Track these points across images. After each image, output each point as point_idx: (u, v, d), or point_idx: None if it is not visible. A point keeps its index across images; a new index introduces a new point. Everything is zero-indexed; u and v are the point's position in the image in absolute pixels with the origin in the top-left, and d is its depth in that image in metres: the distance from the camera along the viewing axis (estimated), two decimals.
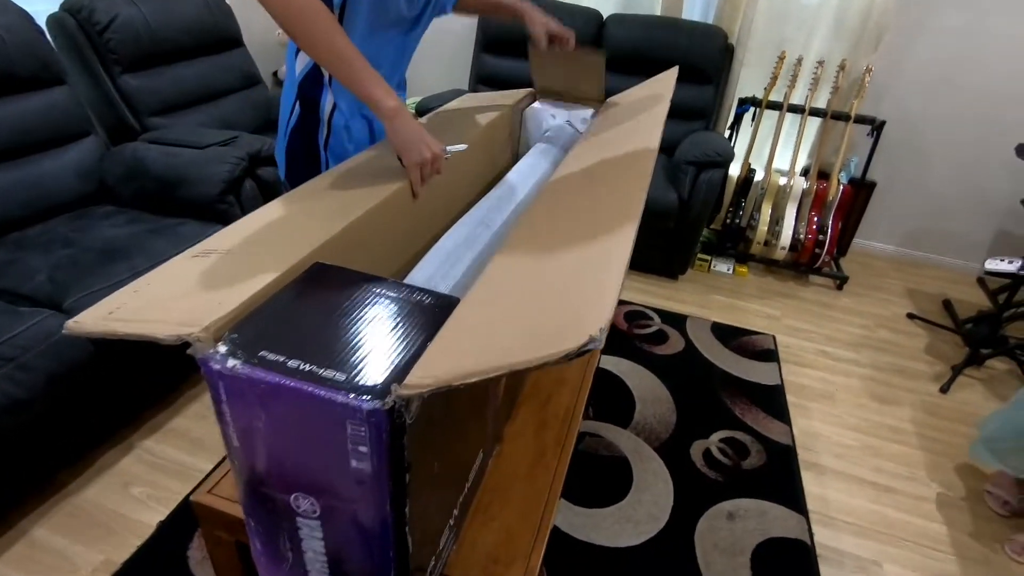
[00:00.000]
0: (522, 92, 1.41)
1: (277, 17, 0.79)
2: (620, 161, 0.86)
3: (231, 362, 0.49)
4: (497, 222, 0.85)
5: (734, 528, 1.41)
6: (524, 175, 1.03)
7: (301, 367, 0.49)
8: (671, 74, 1.35)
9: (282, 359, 0.49)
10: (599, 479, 1.50)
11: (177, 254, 0.63)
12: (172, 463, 1.43)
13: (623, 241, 0.53)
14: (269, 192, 1.84)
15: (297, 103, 1.04)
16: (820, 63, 2.55)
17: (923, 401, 1.94)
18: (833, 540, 1.42)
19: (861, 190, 2.67)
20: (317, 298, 0.58)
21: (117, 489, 1.36)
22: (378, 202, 0.75)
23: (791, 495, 1.52)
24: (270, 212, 0.73)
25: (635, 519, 1.40)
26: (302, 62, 1.02)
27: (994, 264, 2.02)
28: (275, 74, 3.06)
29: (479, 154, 1.14)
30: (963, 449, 1.75)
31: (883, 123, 2.52)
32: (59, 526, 1.27)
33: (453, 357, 0.47)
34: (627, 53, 2.60)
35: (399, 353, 0.51)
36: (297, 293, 0.59)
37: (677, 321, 2.21)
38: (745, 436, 1.69)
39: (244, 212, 1.47)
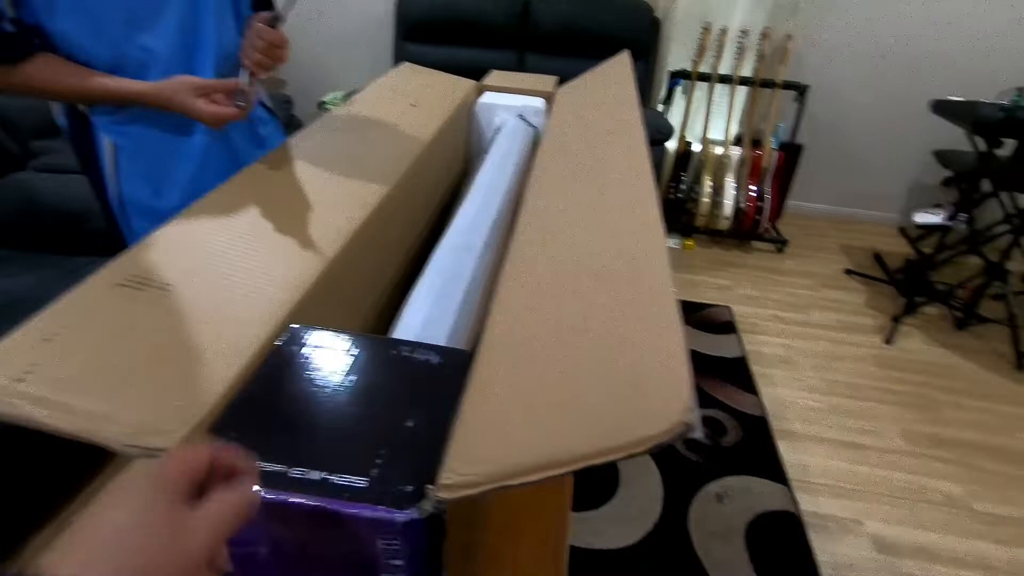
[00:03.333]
0: (468, 84, 1.31)
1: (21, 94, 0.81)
2: (613, 164, 0.79)
3: None
4: (478, 245, 0.77)
5: (724, 510, 1.42)
6: (492, 184, 0.95)
7: (309, 476, 0.40)
8: (624, 58, 1.30)
9: (282, 468, 0.40)
10: (585, 479, 1.47)
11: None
12: None
13: (660, 267, 0.47)
14: None
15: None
16: (744, 32, 2.58)
17: (872, 355, 2.04)
18: (815, 505, 1.46)
19: (791, 154, 2.76)
20: (302, 376, 0.48)
21: None
22: (345, 242, 0.65)
23: (771, 466, 1.55)
24: (197, 230, 0.61)
25: (629, 516, 1.38)
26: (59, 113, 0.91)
27: (922, 216, 2.13)
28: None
29: (435, 161, 1.04)
30: (915, 397, 1.85)
31: (807, 87, 2.60)
32: None
33: (499, 443, 0.39)
34: (555, 32, 2.54)
35: (422, 437, 0.43)
36: (276, 373, 0.49)
37: None
38: (720, 413, 1.71)
39: None
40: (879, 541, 1.39)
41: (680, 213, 2.71)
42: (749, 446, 1.60)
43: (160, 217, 0.62)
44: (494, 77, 1.43)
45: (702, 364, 1.91)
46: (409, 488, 0.39)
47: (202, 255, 0.58)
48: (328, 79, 2.93)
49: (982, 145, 2.01)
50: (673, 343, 0.38)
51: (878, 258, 2.64)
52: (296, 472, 0.40)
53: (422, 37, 2.62)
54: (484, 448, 0.39)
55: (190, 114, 0.81)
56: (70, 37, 0.79)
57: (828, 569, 1.30)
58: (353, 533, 0.39)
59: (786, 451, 1.60)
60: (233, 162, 0.94)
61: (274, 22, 0.83)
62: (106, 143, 0.89)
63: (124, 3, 0.80)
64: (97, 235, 1.48)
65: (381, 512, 0.38)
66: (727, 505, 1.43)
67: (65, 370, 0.43)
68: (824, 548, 1.35)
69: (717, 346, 2.00)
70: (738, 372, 1.88)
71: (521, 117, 1.28)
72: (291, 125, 2.43)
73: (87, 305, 0.49)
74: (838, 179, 2.94)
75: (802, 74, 2.67)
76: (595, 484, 1.45)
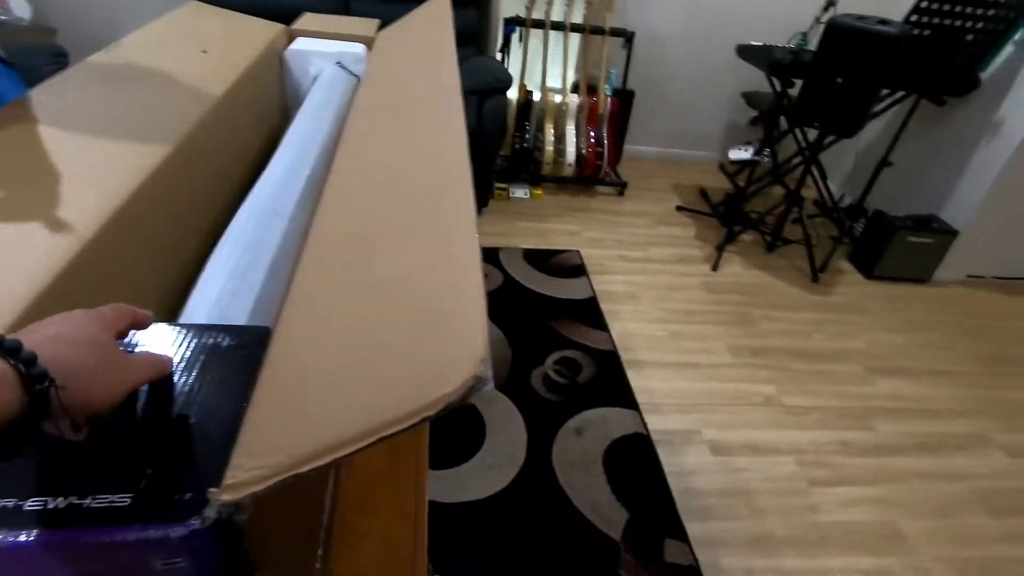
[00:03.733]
0: (273, 28, 1.17)
1: None
2: (426, 111, 0.74)
3: None
4: (289, 207, 0.69)
5: (583, 442, 1.51)
6: (306, 138, 0.86)
7: (51, 505, 0.32)
8: (444, 1, 1.23)
9: (11, 504, 0.32)
10: (452, 434, 1.47)
11: None
12: None
13: (466, 221, 0.45)
14: None
15: None
16: None
17: (702, 282, 2.26)
18: (661, 424, 1.61)
19: (624, 100, 2.89)
20: None
21: None
22: (112, 213, 0.54)
23: (623, 395, 1.67)
24: None
25: (497, 464, 1.41)
26: None
27: (735, 153, 2.36)
28: None
29: (235, 116, 0.92)
30: (737, 316, 2.09)
31: (633, 34, 2.71)
32: None
33: (290, 428, 0.35)
34: None
35: (208, 434, 0.37)
36: None
37: (491, 256, 2.21)
38: (575, 352, 1.80)
39: None
40: (714, 445, 1.57)
41: (527, 163, 2.74)
42: (603, 380, 1.71)
43: None
44: (307, 20, 1.29)
45: (557, 308, 1.98)
46: (187, 496, 0.33)
47: None
48: (111, 27, 2.48)
49: (779, 86, 2.26)
50: (471, 296, 0.36)
51: (703, 194, 2.90)
52: (33, 504, 0.32)
53: None
54: (274, 436, 0.35)
55: None
56: None
57: (674, 479, 1.45)
58: (123, 561, 0.33)
59: (635, 379, 1.74)
60: None
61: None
62: None
63: None
64: None
65: (151, 531, 0.32)
66: (586, 437, 1.52)
67: None
68: (670, 461, 1.50)
69: (570, 289, 2.08)
70: (589, 312, 1.99)
71: (340, 64, 1.17)
72: None
73: None
74: (666, 123, 3.15)
75: (628, 21, 2.78)
76: (462, 438, 1.46)
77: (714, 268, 2.34)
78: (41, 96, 0.69)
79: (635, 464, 1.47)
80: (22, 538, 0.31)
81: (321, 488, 0.64)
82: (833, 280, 2.36)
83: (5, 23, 0.70)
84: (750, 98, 2.81)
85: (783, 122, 2.46)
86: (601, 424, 1.56)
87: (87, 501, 0.33)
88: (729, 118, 3.17)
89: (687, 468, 1.49)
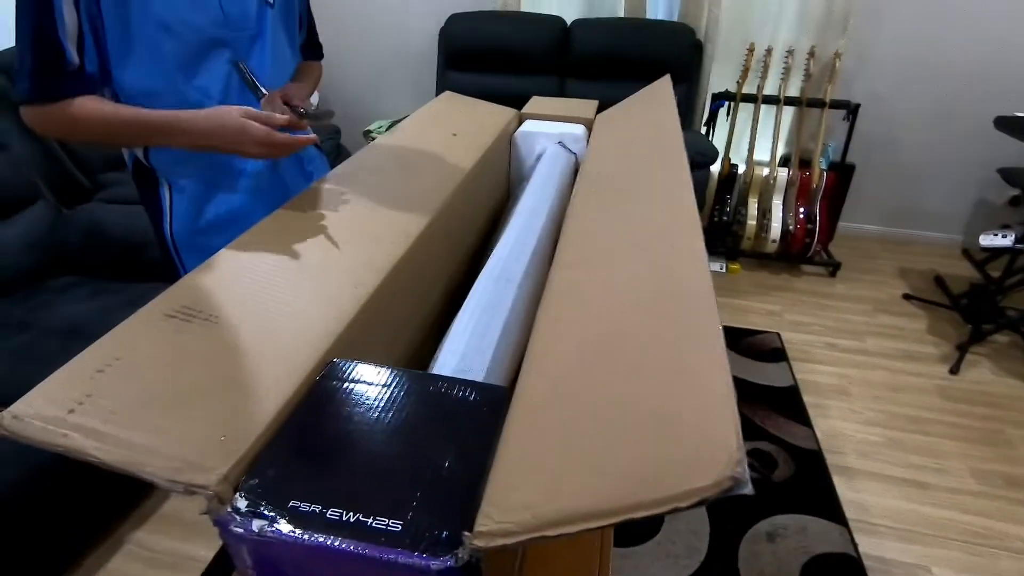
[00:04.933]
0: (508, 113, 1.32)
1: (70, 139, 0.84)
2: (655, 191, 0.78)
3: (257, 523, 0.39)
4: (518, 274, 0.76)
5: (776, 550, 1.34)
6: (532, 211, 0.94)
7: (345, 518, 0.39)
8: (665, 82, 1.29)
9: (319, 509, 0.40)
10: None
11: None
12: (167, 555, 1.30)
13: (706, 304, 0.45)
14: None
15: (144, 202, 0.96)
16: (789, 52, 2.53)
17: (936, 385, 1.92)
18: (877, 548, 1.37)
19: (842, 174, 2.66)
20: (342, 413, 0.48)
21: None
22: (387, 273, 0.65)
23: (827, 505, 1.46)
24: (243, 263, 0.62)
25: (675, 553, 1.32)
26: (126, 153, 0.94)
27: (988, 239, 2.01)
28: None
29: (475, 190, 1.05)
30: (985, 432, 1.72)
31: (858, 106, 2.51)
32: None
33: (538, 489, 0.38)
34: (595, 57, 2.55)
35: (458, 478, 0.42)
36: (317, 409, 0.49)
37: None
38: (769, 445, 1.63)
39: None
40: None
41: (725, 236, 2.64)
42: (802, 482, 1.52)
43: (211, 254, 0.64)
44: (534, 104, 1.44)
45: (750, 393, 1.83)
46: (444, 534, 0.38)
47: (247, 288, 0.60)
48: (373, 108, 3.02)
49: None
50: (720, 387, 0.36)
51: (939, 281, 2.50)
52: (333, 514, 0.39)
53: (465, 65, 2.67)
54: (522, 494, 0.38)
55: (242, 134, 0.78)
56: (138, 84, 0.83)
57: None
58: None
59: (842, 488, 1.51)
60: (284, 200, 0.97)
61: (304, 117, 0.85)
62: (164, 183, 0.93)
63: (182, 48, 0.84)
64: (156, 263, 1.55)
65: (416, 559, 0.37)
66: (779, 545, 1.35)
67: (115, 402, 0.45)
68: None
69: (766, 375, 1.92)
70: (789, 402, 1.80)
71: (561, 144, 1.28)
72: (339, 155, 2.51)
73: (138, 336, 0.51)
74: (893, 199, 2.82)
75: (852, 92, 2.59)
76: (640, 518, 1.40)
77: (953, 371, 1.98)
78: (340, 174, 0.87)
79: None
80: (321, 540, 0.38)
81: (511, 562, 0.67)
82: None
83: (307, 112, 0.90)
84: (1010, 175, 2.39)
85: None
86: (799, 534, 1.38)
87: (370, 520, 0.39)
88: (978, 196, 2.72)
89: None
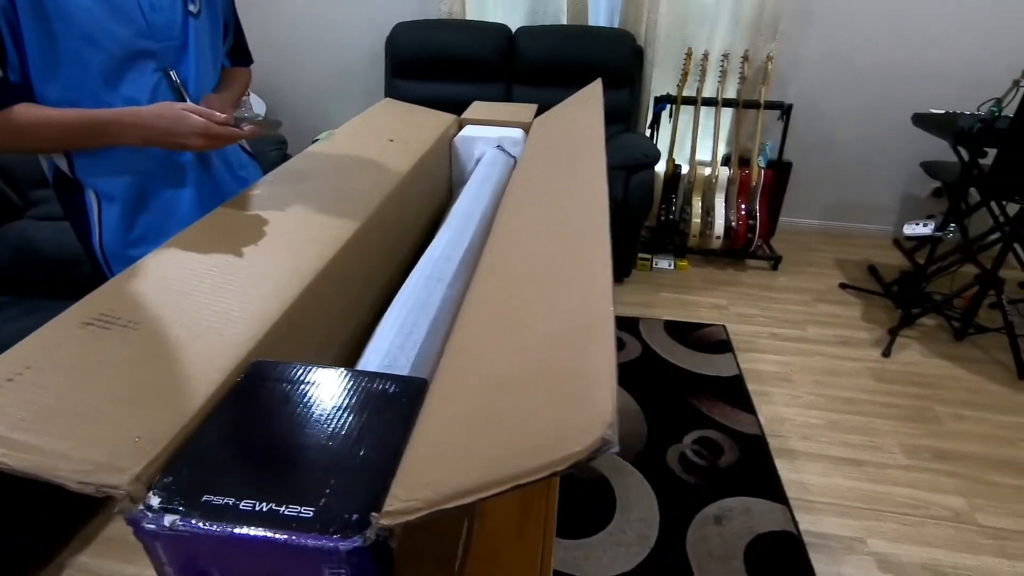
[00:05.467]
0: (447, 119, 1.35)
1: (18, 149, 0.88)
2: (572, 188, 0.81)
3: (168, 518, 0.40)
4: (448, 273, 0.78)
5: (723, 532, 1.40)
6: (467, 213, 0.97)
7: (257, 508, 0.40)
8: (596, 86, 1.33)
9: (231, 502, 0.41)
10: (582, 505, 1.46)
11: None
12: None
13: (602, 294, 0.49)
14: None
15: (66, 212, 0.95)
16: (725, 56, 2.64)
17: (870, 368, 2.02)
18: (816, 525, 1.44)
19: (780, 172, 2.78)
20: (262, 410, 0.49)
21: None
22: (315, 276, 0.67)
23: (770, 486, 1.53)
24: (167, 268, 0.63)
25: (626, 542, 1.36)
26: (46, 165, 0.93)
27: (911, 228, 2.13)
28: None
29: (413, 195, 1.07)
30: (914, 410, 1.83)
31: (791, 106, 2.64)
32: None
33: (439, 468, 0.40)
34: (540, 64, 2.60)
35: (374, 466, 0.44)
36: (237, 408, 0.50)
37: (630, 325, 2.20)
38: (716, 433, 1.70)
39: None
40: (883, 560, 1.36)
41: (672, 234, 2.73)
42: (747, 466, 1.59)
43: None
44: (474, 109, 1.47)
45: (698, 384, 1.90)
46: (355, 517, 0.40)
47: (170, 293, 0.60)
48: (322, 119, 3.00)
49: (966, 156, 2.03)
50: (603, 364, 0.39)
51: (872, 270, 2.64)
52: (246, 505, 0.41)
53: (412, 73, 2.69)
54: (425, 474, 0.40)
55: (181, 123, 0.80)
56: (62, 96, 0.83)
57: None
58: (302, 563, 0.40)
59: (785, 470, 1.58)
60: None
61: (237, 122, 0.86)
62: (91, 194, 0.92)
63: (107, 59, 0.84)
64: (90, 280, 1.51)
65: (326, 542, 0.39)
66: (726, 527, 1.41)
67: (25, 409, 0.45)
68: (827, 569, 1.33)
69: (712, 365, 1.99)
70: (734, 391, 1.87)
71: (500, 147, 1.31)
72: None
73: (52, 344, 0.51)
74: (829, 194, 2.96)
75: (785, 93, 2.71)
76: (591, 510, 1.44)
77: (885, 354, 2.09)
78: (270, 181, 0.87)
79: (783, 566, 1.32)
80: (237, 531, 0.39)
81: (455, 536, 0.69)
82: None
83: (247, 119, 0.91)
84: (931, 168, 2.55)
85: (973, 194, 2.19)
86: (744, 515, 1.44)
87: (283, 509, 0.40)
88: (905, 190, 2.89)
89: None
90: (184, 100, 0.90)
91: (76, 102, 0.83)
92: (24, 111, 0.80)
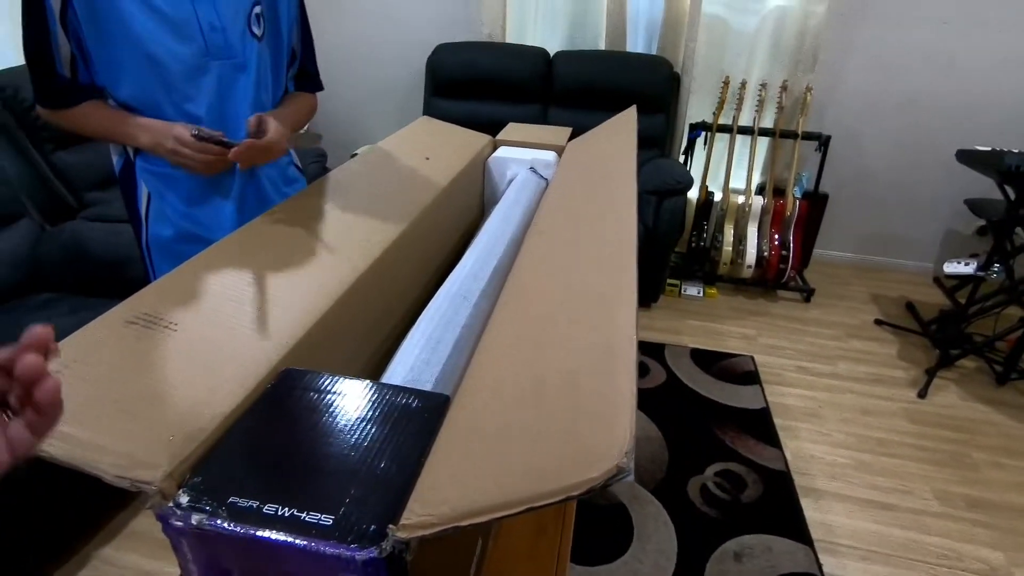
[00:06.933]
0: (482, 139, 1.37)
1: (80, 134, 0.96)
2: (601, 214, 0.82)
3: (196, 517, 0.41)
4: (475, 293, 0.80)
5: (743, 569, 1.36)
6: (496, 233, 0.98)
7: (280, 512, 0.42)
8: (631, 112, 1.35)
9: (256, 504, 0.42)
10: (599, 531, 1.44)
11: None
12: (135, 571, 1.30)
13: (626, 323, 0.49)
14: None
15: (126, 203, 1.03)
16: (763, 85, 2.63)
17: (904, 409, 1.96)
18: (841, 568, 1.39)
19: (815, 203, 2.74)
20: (289, 417, 0.51)
21: None
22: (348, 287, 0.69)
23: (794, 525, 1.48)
24: (207, 274, 0.65)
25: (642, 573, 1.34)
26: (115, 157, 1.01)
27: (952, 267, 2.07)
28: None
29: (445, 212, 1.09)
30: (950, 455, 1.76)
31: (828, 137, 2.61)
32: None
33: (456, 486, 0.41)
34: (577, 87, 2.63)
35: (393, 478, 0.45)
36: (266, 414, 0.52)
37: (655, 351, 2.18)
38: (739, 467, 1.66)
39: None
40: None
41: (703, 261, 2.70)
42: (770, 502, 1.54)
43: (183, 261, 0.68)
44: (509, 130, 1.49)
45: (723, 415, 1.86)
46: (372, 527, 0.41)
47: (209, 297, 0.63)
48: (361, 133, 3.08)
49: (1012, 195, 1.97)
50: (623, 390, 0.40)
51: (910, 308, 2.56)
52: (270, 508, 0.42)
53: (451, 93, 2.75)
54: (443, 491, 0.41)
55: (166, 129, 0.88)
56: (132, 101, 0.92)
57: None
58: (319, 569, 0.41)
59: (810, 509, 1.54)
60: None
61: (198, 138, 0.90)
62: (143, 189, 0.97)
63: (167, 74, 0.89)
64: (137, 280, 1.58)
65: (344, 550, 0.40)
66: (746, 564, 1.37)
67: (70, 402, 0.47)
68: None
69: (738, 397, 1.95)
70: (760, 424, 1.83)
71: (532, 169, 1.33)
72: None
73: (97, 341, 0.54)
74: (866, 227, 2.90)
75: (823, 124, 2.68)
76: (608, 537, 1.42)
77: (921, 395, 2.02)
78: (311, 193, 0.91)
79: None
80: (260, 533, 0.41)
81: (469, 553, 0.70)
82: None
83: (207, 137, 0.93)
84: (976, 206, 2.48)
85: (1020, 233, 2.12)
86: (765, 554, 1.40)
87: (304, 515, 0.42)
88: (946, 226, 2.81)
89: None
90: (224, 142, 0.94)
91: (140, 105, 0.90)
92: (82, 110, 0.91)
